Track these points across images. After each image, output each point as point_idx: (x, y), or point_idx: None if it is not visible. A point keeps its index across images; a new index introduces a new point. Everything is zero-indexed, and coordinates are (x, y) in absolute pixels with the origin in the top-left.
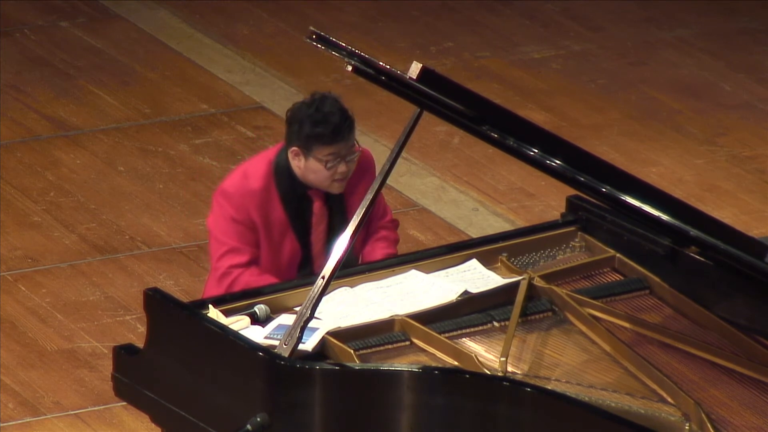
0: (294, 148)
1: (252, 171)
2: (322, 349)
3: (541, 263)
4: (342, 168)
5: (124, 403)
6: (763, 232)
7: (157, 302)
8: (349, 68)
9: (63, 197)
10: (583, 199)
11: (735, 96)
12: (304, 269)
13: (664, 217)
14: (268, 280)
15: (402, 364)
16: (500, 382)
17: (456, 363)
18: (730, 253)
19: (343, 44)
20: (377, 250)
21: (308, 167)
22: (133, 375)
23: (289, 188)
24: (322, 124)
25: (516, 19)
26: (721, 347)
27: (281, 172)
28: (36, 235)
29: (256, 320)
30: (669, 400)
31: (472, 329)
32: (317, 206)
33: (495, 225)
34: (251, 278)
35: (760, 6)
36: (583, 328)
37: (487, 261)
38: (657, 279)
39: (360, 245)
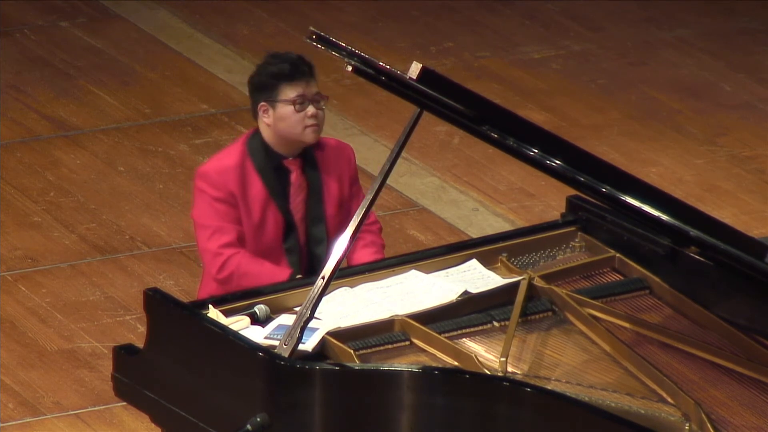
0: (261, 104)
1: (226, 152)
2: (322, 349)
3: (541, 263)
4: (311, 110)
5: (124, 403)
6: (763, 232)
7: (157, 302)
8: (349, 68)
9: (63, 197)
10: (583, 199)
11: (735, 96)
12: (290, 239)
13: (664, 217)
14: (261, 263)
15: (402, 364)
16: (500, 382)
17: (456, 363)
18: (730, 253)
19: (343, 44)
20: (366, 257)
21: (278, 116)
22: (133, 375)
23: (265, 161)
24: (280, 62)
25: (516, 19)
26: (721, 347)
27: (255, 148)
28: (36, 235)
29: (256, 320)
30: (669, 400)
31: (472, 329)
32: (294, 176)
33: (495, 225)
34: (243, 259)
35: (760, 6)
36: (583, 328)
37: (487, 261)
38: (657, 279)
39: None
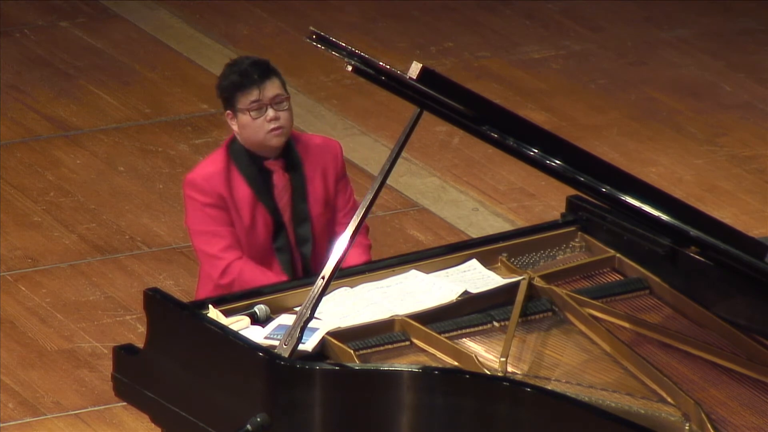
0: (227, 113)
1: (210, 159)
2: (322, 349)
3: (541, 263)
4: (270, 114)
5: (124, 403)
6: (763, 232)
7: (157, 302)
8: (349, 68)
9: (63, 197)
10: (583, 199)
11: (735, 96)
12: (279, 239)
13: (664, 217)
14: (263, 272)
15: (402, 364)
16: (500, 382)
17: (456, 363)
18: (730, 253)
19: (343, 44)
20: (351, 258)
21: (240, 125)
22: (133, 375)
23: (248, 164)
24: (232, 73)
25: (516, 19)
26: (721, 347)
27: (237, 152)
28: (36, 235)
29: (256, 320)
30: (669, 400)
31: (472, 329)
32: (277, 177)
33: (495, 225)
34: (246, 266)
35: (760, 6)
36: (583, 328)
37: (487, 261)
38: (657, 279)
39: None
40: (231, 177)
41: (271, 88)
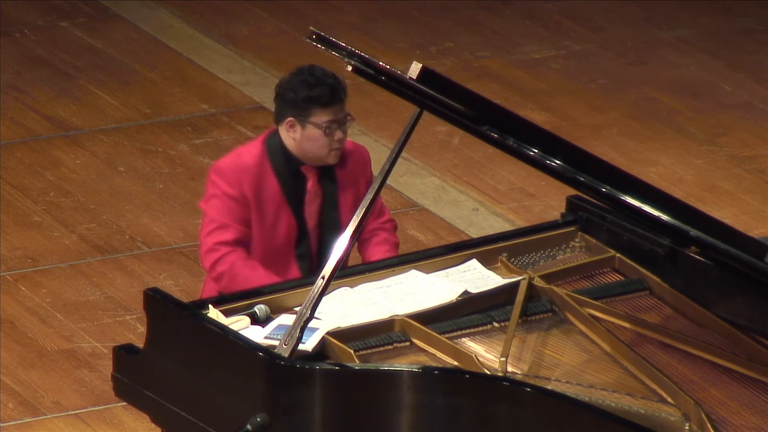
0: (289, 119)
1: (245, 150)
2: (322, 349)
3: (541, 263)
4: (339, 135)
5: (124, 403)
6: (763, 232)
7: (157, 302)
8: (349, 68)
9: (63, 197)
10: (583, 199)
11: (735, 96)
12: (302, 245)
13: (664, 217)
14: (254, 268)
15: (402, 364)
16: (500, 382)
17: (456, 363)
18: (730, 253)
19: (343, 44)
20: (379, 255)
21: (305, 136)
22: (133, 375)
23: (283, 164)
24: (318, 86)
25: (516, 19)
26: (721, 347)
27: (274, 150)
28: (36, 235)
29: (256, 320)
30: (669, 400)
31: (472, 329)
32: (311, 184)
33: (495, 225)
34: (238, 261)
35: (760, 6)
36: (583, 329)
37: (487, 261)
38: (657, 279)
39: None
40: (263, 173)
41: (345, 106)
